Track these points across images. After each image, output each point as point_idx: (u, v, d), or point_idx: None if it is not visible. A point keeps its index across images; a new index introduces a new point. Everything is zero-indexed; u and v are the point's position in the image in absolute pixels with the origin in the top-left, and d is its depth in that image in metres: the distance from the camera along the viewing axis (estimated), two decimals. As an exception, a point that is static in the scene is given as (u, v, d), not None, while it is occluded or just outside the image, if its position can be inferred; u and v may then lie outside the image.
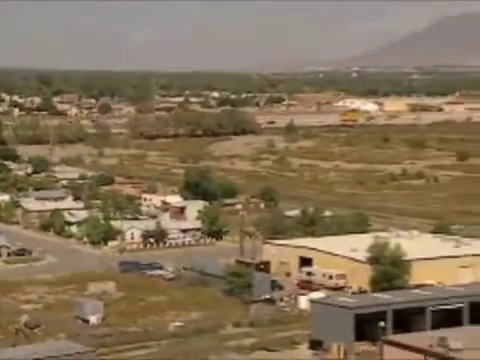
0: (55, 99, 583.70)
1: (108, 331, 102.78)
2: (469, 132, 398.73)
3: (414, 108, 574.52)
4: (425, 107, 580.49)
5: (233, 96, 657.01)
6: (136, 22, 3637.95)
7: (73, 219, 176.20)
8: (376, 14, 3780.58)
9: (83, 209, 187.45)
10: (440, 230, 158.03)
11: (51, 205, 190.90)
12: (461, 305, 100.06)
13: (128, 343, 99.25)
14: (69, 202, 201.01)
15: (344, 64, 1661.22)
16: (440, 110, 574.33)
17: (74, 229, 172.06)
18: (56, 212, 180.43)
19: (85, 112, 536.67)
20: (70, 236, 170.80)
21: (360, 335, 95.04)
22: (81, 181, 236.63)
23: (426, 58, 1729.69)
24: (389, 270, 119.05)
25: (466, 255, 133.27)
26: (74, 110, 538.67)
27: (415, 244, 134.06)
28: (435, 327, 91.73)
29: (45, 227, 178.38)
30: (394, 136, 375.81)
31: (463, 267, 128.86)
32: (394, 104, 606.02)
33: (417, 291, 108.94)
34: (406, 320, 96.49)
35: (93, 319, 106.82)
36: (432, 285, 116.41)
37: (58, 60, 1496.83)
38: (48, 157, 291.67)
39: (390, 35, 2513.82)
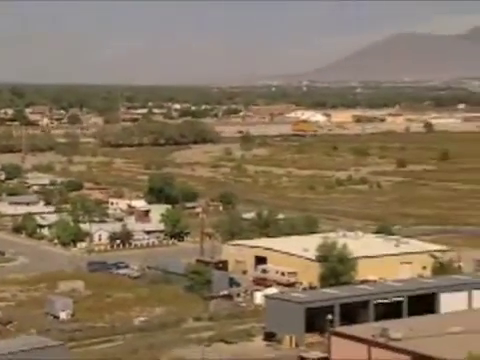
0: (27, 110, 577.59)
1: (77, 326, 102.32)
2: (407, 141, 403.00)
3: (359, 119, 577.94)
4: (368, 118, 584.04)
5: (193, 108, 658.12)
6: (104, 38, 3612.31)
7: (44, 222, 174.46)
8: (324, 34, 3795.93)
9: (53, 213, 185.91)
10: (382, 230, 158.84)
11: (23, 209, 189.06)
12: (401, 299, 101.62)
13: (96, 337, 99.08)
14: (40, 206, 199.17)
15: (295, 79, 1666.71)
16: (382, 121, 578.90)
17: (45, 231, 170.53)
18: (28, 216, 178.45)
19: (55, 123, 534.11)
20: (41, 238, 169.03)
21: (310, 327, 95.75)
22: (52, 187, 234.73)
23: (369, 74, 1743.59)
24: (336, 267, 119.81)
25: (405, 253, 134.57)
26: (45, 121, 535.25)
27: (360, 243, 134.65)
28: (378, 319, 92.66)
29: (17, 230, 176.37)
30: (341, 145, 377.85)
31: (403, 264, 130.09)
32: (341, 115, 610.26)
33: (362, 286, 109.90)
34: (352, 313, 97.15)
35: (63, 315, 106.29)
36: (375, 281, 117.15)
37: (30, 74, 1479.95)
38: (21, 164, 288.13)
39: (336, 53, 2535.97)
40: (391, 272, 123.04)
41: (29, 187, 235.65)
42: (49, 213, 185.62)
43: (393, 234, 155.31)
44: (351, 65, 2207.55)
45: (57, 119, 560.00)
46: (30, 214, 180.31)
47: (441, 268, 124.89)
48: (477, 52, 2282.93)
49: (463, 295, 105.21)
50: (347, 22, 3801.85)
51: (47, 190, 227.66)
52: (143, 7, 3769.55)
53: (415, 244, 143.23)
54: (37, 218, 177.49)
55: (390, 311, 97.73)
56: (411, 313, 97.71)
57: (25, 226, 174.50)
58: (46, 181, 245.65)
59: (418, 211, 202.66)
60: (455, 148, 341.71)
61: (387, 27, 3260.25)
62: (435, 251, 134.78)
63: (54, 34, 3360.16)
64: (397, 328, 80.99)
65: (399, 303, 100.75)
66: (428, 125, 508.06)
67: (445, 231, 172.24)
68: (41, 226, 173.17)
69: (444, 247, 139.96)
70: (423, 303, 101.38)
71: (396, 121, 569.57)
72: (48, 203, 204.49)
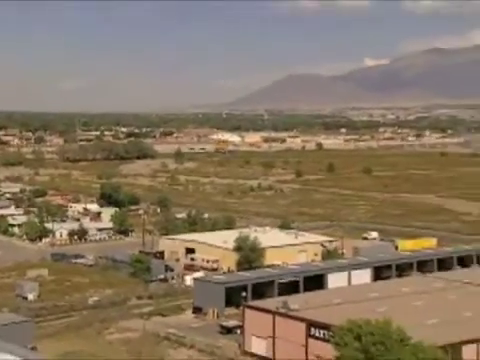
0: (0, 133, 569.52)
1: (42, 305, 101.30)
2: (303, 157, 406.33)
3: (266, 140, 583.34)
4: (273, 139, 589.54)
5: (136, 130, 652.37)
6: (64, 72, 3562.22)
7: (15, 222, 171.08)
8: (239, 74, 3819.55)
9: (23, 214, 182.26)
10: (284, 226, 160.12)
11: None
12: (298, 278, 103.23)
13: (58, 313, 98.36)
14: (12, 209, 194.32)
15: (217, 108, 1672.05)
16: (283, 141, 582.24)
17: (16, 230, 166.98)
18: (1, 217, 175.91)
19: (25, 142, 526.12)
20: (12, 235, 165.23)
21: (228, 302, 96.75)
22: (21, 194, 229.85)
23: (273, 105, 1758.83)
24: (249, 255, 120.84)
25: (301, 243, 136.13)
26: (16, 141, 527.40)
27: (267, 236, 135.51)
28: (280, 294, 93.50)
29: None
30: (252, 159, 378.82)
31: (300, 252, 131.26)
32: (252, 137, 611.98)
33: (268, 269, 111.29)
34: (261, 290, 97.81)
35: (31, 296, 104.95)
36: (279, 265, 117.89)
37: (1, 102, 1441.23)
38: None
39: (248, 89, 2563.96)
40: (291, 258, 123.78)
41: (2, 194, 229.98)
42: (19, 215, 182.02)
43: (292, 228, 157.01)
44: (260, 98, 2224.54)
45: (26, 139, 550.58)
46: (3, 216, 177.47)
47: (328, 254, 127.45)
48: (351, 90, 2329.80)
49: (344, 274, 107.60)
50: (255, 65, 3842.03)
51: (17, 196, 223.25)
52: (96, 50, 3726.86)
53: (309, 236, 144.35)
54: (9, 219, 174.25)
55: (290, 288, 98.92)
56: (306, 289, 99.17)
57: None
58: (17, 189, 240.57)
59: (311, 211, 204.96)
60: (338, 162, 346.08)
61: (286, 69, 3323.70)
62: (324, 241, 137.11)
63: (21, 68, 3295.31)
64: (295, 301, 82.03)
65: (297, 282, 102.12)
66: (318, 144, 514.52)
67: (331, 226, 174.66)
68: (12, 225, 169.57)
69: (330, 238, 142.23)
70: (315, 281, 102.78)
71: (294, 141, 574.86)
72: (18, 207, 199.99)
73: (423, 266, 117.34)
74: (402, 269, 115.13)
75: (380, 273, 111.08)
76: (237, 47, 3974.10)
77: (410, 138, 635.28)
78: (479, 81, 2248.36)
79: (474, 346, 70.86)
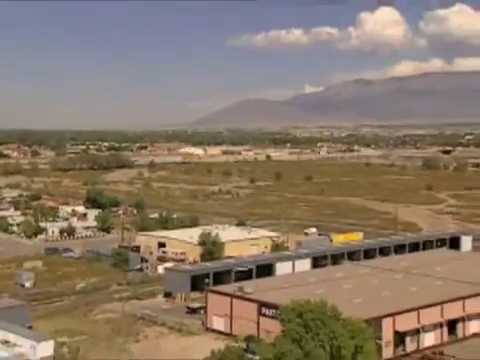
0: (1, 147, 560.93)
1: (37, 291, 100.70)
2: (255, 166, 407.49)
3: (225, 152, 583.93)
4: (231, 152, 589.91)
5: (116, 145, 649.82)
6: (56, 96, 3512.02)
7: (14, 222, 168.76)
8: (204, 97, 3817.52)
9: (20, 215, 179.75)
10: (240, 224, 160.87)
11: (0, 213, 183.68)
12: (251, 267, 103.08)
13: (50, 298, 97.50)
14: (11, 211, 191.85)
15: (183, 126, 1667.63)
16: (239, 154, 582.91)
17: (15, 228, 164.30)
18: (3, 217, 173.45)
19: (22, 155, 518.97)
20: (12, 233, 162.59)
21: (194, 287, 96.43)
22: (19, 198, 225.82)
23: (231, 123, 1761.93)
24: (211, 248, 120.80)
25: (254, 238, 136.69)
26: (15, 154, 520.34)
27: (226, 232, 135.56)
28: (237, 281, 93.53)
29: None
30: (214, 169, 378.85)
31: (252, 245, 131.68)
32: (213, 150, 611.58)
33: (227, 260, 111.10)
34: (221, 278, 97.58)
35: (27, 284, 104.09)
36: (235, 256, 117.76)
37: (2, 121, 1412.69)
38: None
39: (210, 109, 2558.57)
40: (245, 251, 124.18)
41: (3, 198, 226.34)
42: (17, 216, 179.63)
43: (246, 226, 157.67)
44: (219, 117, 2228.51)
45: (23, 153, 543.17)
46: (3, 217, 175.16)
47: (276, 247, 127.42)
48: (294, 111, 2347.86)
49: (289, 264, 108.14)
50: (215, 90, 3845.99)
51: (16, 200, 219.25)
52: (81, 78, 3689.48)
53: (260, 232, 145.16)
54: (9, 219, 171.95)
55: (245, 275, 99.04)
56: (258, 276, 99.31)
57: (0, 225, 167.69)
58: (15, 194, 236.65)
59: (262, 211, 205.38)
60: (284, 171, 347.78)
61: (241, 94, 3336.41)
62: (272, 236, 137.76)
63: (19, 93, 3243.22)
64: (249, 286, 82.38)
65: (250, 270, 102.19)
66: (268, 156, 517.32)
67: (278, 223, 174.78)
68: (12, 224, 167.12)
69: (278, 234, 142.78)
70: (265, 270, 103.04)
71: (248, 154, 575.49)
72: (17, 209, 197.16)
73: (352, 255, 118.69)
74: (335, 258, 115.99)
75: (318, 262, 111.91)
76: (200, 75, 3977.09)
77: (341, 152, 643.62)
78: (395, 106, 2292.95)
79: (391, 319, 72.17)
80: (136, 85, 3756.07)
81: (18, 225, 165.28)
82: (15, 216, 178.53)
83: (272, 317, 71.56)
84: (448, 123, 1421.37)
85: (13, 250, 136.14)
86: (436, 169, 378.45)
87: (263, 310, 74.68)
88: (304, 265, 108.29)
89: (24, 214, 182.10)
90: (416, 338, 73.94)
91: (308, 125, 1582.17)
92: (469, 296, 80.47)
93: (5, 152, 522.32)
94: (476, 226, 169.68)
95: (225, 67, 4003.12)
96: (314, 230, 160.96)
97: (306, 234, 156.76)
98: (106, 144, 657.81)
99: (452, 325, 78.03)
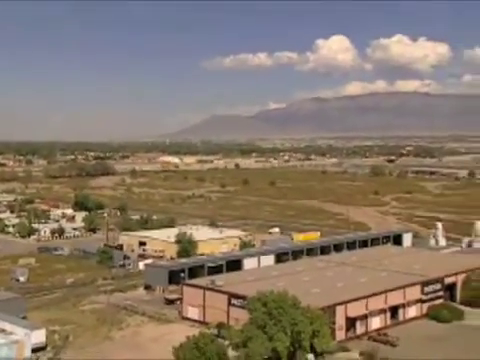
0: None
1: (31, 285, 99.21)
2: (225, 174, 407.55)
3: (199, 161, 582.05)
4: (204, 161, 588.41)
5: (101, 154, 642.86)
6: (47, 112, 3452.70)
7: (10, 223, 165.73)
8: (180, 112, 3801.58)
9: (16, 217, 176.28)
10: (212, 224, 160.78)
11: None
12: (222, 263, 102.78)
13: (43, 291, 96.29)
14: (7, 214, 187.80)
15: (162, 137, 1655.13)
16: (211, 162, 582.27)
17: (10, 229, 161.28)
18: (0, 220, 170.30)
19: (17, 164, 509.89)
20: (8, 233, 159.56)
21: (171, 281, 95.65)
22: (14, 202, 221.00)
23: (204, 135, 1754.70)
24: (186, 246, 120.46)
25: (224, 237, 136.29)
26: (11, 163, 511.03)
27: (199, 232, 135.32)
28: (209, 275, 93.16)
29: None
30: (189, 175, 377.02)
31: (223, 243, 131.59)
32: (189, 159, 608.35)
33: (200, 257, 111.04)
34: (195, 272, 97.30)
35: (22, 279, 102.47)
36: (208, 253, 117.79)
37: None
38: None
39: (184, 124, 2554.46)
40: (217, 248, 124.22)
41: (0, 202, 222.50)
42: (13, 218, 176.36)
43: (217, 226, 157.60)
44: (194, 130, 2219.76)
45: (18, 162, 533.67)
46: (0, 219, 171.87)
47: (244, 245, 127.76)
48: (259, 125, 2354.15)
49: (255, 259, 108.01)
50: (190, 106, 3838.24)
51: (12, 204, 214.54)
52: (69, 94, 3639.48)
53: (230, 232, 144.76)
54: (5, 221, 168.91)
55: (216, 270, 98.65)
56: (228, 271, 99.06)
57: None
58: (11, 198, 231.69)
59: (231, 213, 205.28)
60: (251, 177, 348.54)
61: (212, 110, 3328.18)
62: (240, 235, 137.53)
63: (16, 109, 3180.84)
64: (220, 279, 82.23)
65: (221, 265, 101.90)
66: (236, 165, 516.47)
67: (245, 223, 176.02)
68: (7, 226, 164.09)
69: (245, 233, 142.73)
70: (234, 265, 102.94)
71: (219, 162, 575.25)
72: (12, 212, 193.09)
73: (310, 252, 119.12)
74: (296, 254, 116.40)
75: (280, 257, 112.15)
76: (177, 93, 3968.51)
77: (300, 161, 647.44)
78: (346, 120, 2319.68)
79: (343, 306, 72.88)
80: (120, 101, 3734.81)
81: (13, 226, 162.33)
82: (11, 218, 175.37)
83: (240, 307, 71.62)
84: (391, 136, 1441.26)
85: (9, 249, 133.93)
86: (382, 176, 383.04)
87: (232, 301, 74.71)
88: (268, 260, 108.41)
89: (19, 216, 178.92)
90: (364, 322, 74.89)
91: (271, 137, 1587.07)
92: (408, 285, 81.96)
93: (2, 161, 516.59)
94: (415, 225, 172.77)
95: (199, 86, 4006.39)
96: (277, 230, 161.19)
97: (270, 233, 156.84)
98: (92, 154, 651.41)
99: (394, 310, 79.35)
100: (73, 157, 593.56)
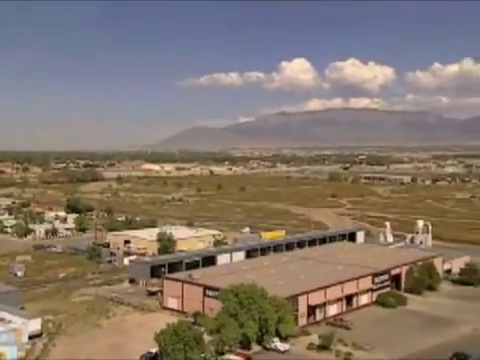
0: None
1: (27, 279, 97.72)
2: (201, 179, 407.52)
3: (177, 168, 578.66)
4: (182, 168, 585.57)
5: (90, 162, 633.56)
6: (42, 124, 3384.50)
7: (8, 224, 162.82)
8: (161, 124, 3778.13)
9: (14, 219, 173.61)
10: (189, 224, 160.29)
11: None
12: (198, 259, 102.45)
13: (38, 284, 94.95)
14: (6, 216, 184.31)
15: (144, 147, 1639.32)
16: (188, 169, 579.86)
17: (9, 229, 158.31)
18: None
19: (15, 171, 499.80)
20: (6, 233, 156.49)
21: (153, 275, 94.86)
22: (12, 205, 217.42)
23: (182, 145, 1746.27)
24: (166, 244, 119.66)
25: (201, 236, 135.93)
26: (9, 170, 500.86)
27: (178, 231, 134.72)
28: (187, 269, 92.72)
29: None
30: (168, 181, 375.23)
31: (199, 241, 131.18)
32: (168, 166, 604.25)
33: (179, 254, 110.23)
34: (174, 267, 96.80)
35: (19, 273, 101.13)
36: (186, 250, 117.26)
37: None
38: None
39: (165, 135, 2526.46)
40: (194, 246, 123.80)
41: (0, 206, 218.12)
42: (11, 219, 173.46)
43: (194, 226, 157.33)
44: (173, 141, 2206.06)
45: (16, 169, 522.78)
46: (0, 220, 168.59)
47: (217, 242, 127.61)
48: (231, 136, 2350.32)
49: (228, 255, 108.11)
50: (170, 119, 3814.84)
51: (10, 207, 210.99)
52: (61, 109, 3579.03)
53: (205, 231, 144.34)
54: (4, 222, 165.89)
55: (193, 265, 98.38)
56: (203, 266, 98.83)
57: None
58: (9, 202, 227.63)
59: (206, 214, 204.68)
60: (224, 183, 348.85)
61: (190, 122, 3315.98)
62: (214, 234, 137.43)
63: (13, 123, 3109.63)
64: (196, 273, 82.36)
65: (197, 261, 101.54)
66: (211, 171, 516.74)
67: (219, 224, 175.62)
68: (6, 226, 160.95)
69: (219, 232, 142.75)
70: (209, 260, 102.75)
71: (196, 169, 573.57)
72: (10, 214, 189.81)
73: (276, 248, 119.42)
74: (264, 250, 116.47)
75: (250, 253, 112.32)
76: (159, 108, 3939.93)
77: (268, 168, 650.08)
78: (308, 132, 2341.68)
79: (305, 296, 73.52)
80: (109, 116, 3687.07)
81: (11, 227, 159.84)
82: (9, 220, 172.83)
83: (214, 297, 71.60)
84: (346, 146, 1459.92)
85: (7, 247, 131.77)
86: (338, 181, 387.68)
87: (207, 292, 74.65)
88: (239, 256, 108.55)
89: (16, 218, 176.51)
90: (323, 309, 75.72)
91: (242, 147, 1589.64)
92: (361, 277, 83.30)
93: (1, 169, 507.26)
94: (367, 224, 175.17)
95: (178, 102, 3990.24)
96: (247, 229, 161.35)
97: (241, 232, 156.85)
98: (82, 162, 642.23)
99: (349, 298, 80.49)
100: (65, 165, 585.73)
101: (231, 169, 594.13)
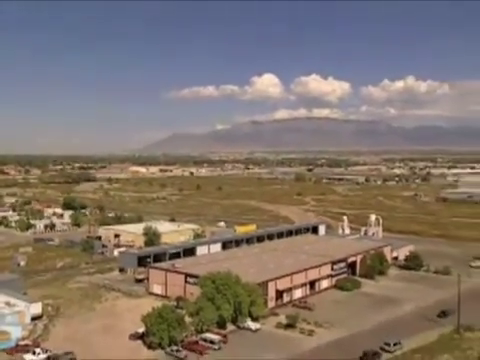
0: (2, 167, 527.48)
1: (29, 269, 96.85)
2: (182, 180, 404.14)
3: (162, 170, 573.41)
4: (165, 170, 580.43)
5: (84, 165, 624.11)
6: (40, 131, 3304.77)
7: (12, 220, 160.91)
8: (146, 130, 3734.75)
9: (17, 215, 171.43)
10: (172, 220, 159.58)
11: (2, 214, 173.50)
12: (180, 250, 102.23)
13: (38, 273, 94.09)
14: (11, 212, 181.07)
15: (132, 152, 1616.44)
16: (171, 171, 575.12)
17: (12, 224, 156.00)
18: (4, 217, 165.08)
19: (17, 173, 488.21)
20: (11, 227, 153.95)
21: (140, 264, 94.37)
22: (15, 203, 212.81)
23: (166, 149, 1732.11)
24: (152, 237, 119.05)
25: (182, 230, 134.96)
26: (12, 172, 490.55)
27: (162, 226, 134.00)
28: (170, 259, 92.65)
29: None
30: (154, 182, 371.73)
31: (181, 235, 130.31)
32: (153, 168, 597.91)
33: (163, 246, 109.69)
34: (158, 257, 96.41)
35: (22, 263, 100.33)
36: (169, 243, 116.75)
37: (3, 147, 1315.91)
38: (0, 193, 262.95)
39: (150, 140, 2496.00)
40: (176, 239, 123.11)
41: (4, 204, 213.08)
42: (14, 215, 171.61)
43: (176, 221, 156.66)
44: (157, 145, 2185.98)
45: (18, 171, 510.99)
46: (5, 216, 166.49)
47: (197, 236, 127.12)
48: (210, 142, 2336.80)
49: (206, 247, 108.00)
50: (153, 126, 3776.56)
51: (14, 204, 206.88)
52: (57, 116, 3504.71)
53: (186, 225, 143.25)
54: (9, 218, 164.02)
55: (175, 256, 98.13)
56: (184, 256, 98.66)
57: (2, 222, 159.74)
58: (13, 200, 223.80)
59: (187, 211, 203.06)
60: (203, 183, 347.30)
61: (172, 129, 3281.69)
62: (194, 228, 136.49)
63: (15, 129, 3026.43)
64: (178, 263, 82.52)
65: (179, 252, 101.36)
66: (191, 173, 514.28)
67: (198, 219, 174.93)
68: (10, 222, 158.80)
69: (198, 226, 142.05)
70: (189, 251, 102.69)
71: (177, 171, 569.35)
72: (14, 210, 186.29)
73: (249, 240, 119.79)
74: (238, 242, 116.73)
75: (226, 245, 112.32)
76: (145, 116, 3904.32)
77: (243, 169, 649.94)
78: (276, 139, 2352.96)
79: (274, 282, 74.28)
80: (101, 123, 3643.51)
81: (15, 222, 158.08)
82: (13, 216, 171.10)
83: (194, 284, 71.86)
84: (310, 150, 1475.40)
85: (11, 239, 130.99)
86: (303, 181, 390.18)
87: (188, 279, 74.84)
88: (216, 248, 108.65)
89: (19, 214, 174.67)
90: (290, 293, 76.68)
91: (219, 151, 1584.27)
92: (322, 264, 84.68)
93: (5, 171, 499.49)
94: (328, 218, 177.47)
95: (163, 111, 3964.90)
96: (223, 224, 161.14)
97: (217, 226, 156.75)
98: (77, 165, 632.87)
99: (312, 284, 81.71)
100: (62, 167, 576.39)
101: (209, 171, 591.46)
